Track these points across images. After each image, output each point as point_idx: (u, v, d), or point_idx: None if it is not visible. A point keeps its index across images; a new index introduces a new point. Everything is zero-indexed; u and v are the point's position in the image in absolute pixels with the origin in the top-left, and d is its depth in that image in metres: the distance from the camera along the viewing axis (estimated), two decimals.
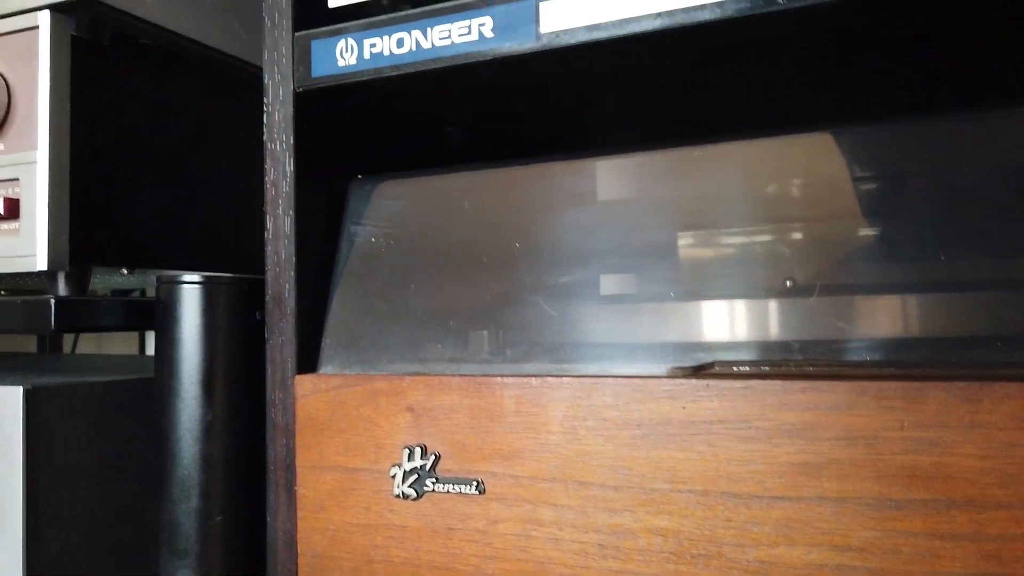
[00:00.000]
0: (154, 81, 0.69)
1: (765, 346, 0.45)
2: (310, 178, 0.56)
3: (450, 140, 0.61)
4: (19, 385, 0.53)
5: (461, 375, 0.49)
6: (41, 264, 0.58)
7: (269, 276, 0.55)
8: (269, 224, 0.55)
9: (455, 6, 0.50)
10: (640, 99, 0.58)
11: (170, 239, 0.69)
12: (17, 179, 0.59)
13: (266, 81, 0.56)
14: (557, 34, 0.47)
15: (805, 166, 0.47)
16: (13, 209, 0.59)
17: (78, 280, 0.61)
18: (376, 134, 0.62)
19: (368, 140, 0.62)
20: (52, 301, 0.53)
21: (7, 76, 0.60)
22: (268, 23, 0.56)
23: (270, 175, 0.55)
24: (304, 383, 0.53)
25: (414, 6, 0.54)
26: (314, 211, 0.56)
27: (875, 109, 0.58)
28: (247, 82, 0.75)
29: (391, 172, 0.58)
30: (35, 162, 0.58)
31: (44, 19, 0.58)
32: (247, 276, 0.58)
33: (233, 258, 0.75)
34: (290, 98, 0.55)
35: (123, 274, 0.65)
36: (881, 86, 0.56)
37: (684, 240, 0.48)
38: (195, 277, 0.54)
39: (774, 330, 0.45)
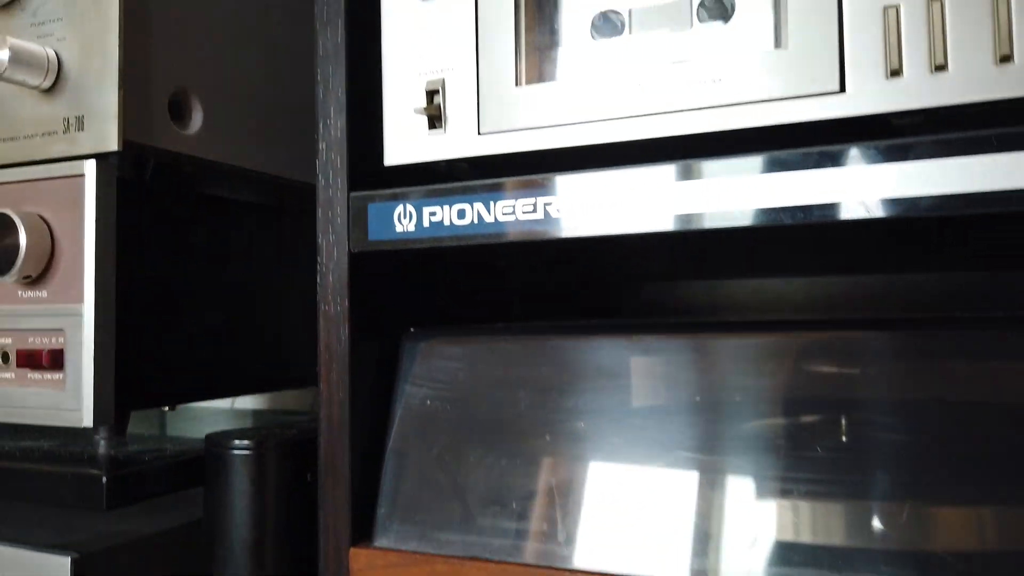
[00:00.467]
0: (197, 209, 0.67)
1: None
2: (364, 335, 0.55)
3: (509, 299, 0.60)
4: (67, 555, 0.52)
5: (525, 564, 0.47)
6: (87, 420, 0.56)
7: (322, 441, 0.54)
8: (323, 388, 0.54)
9: (520, 182, 0.49)
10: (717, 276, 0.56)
11: (213, 368, 0.68)
12: (61, 330, 0.58)
13: (320, 240, 0.54)
14: (630, 220, 0.46)
15: None
16: (57, 360, 0.58)
17: (119, 424, 0.60)
18: (431, 287, 0.61)
19: (423, 293, 0.61)
20: (104, 480, 0.52)
21: (51, 222, 0.59)
22: (322, 181, 0.55)
23: (323, 337, 0.54)
24: (359, 557, 0.52)
25: (473, 168, 0.53)
26: (367, 370, 0.55)
27: None
28: (291, 193, 0.74)
29: (446, 328, 0.57)
30: (81, 315, 0.57)
31: (90, 168, 0.57)
32: (298, 430, 0.57)
33: (279, 374, 0.74)
34: (345, 260, 0.54)
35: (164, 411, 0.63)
36: None
37: (767, 430, 0.47)
38: (244, 442, 0.53)
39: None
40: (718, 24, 0.48)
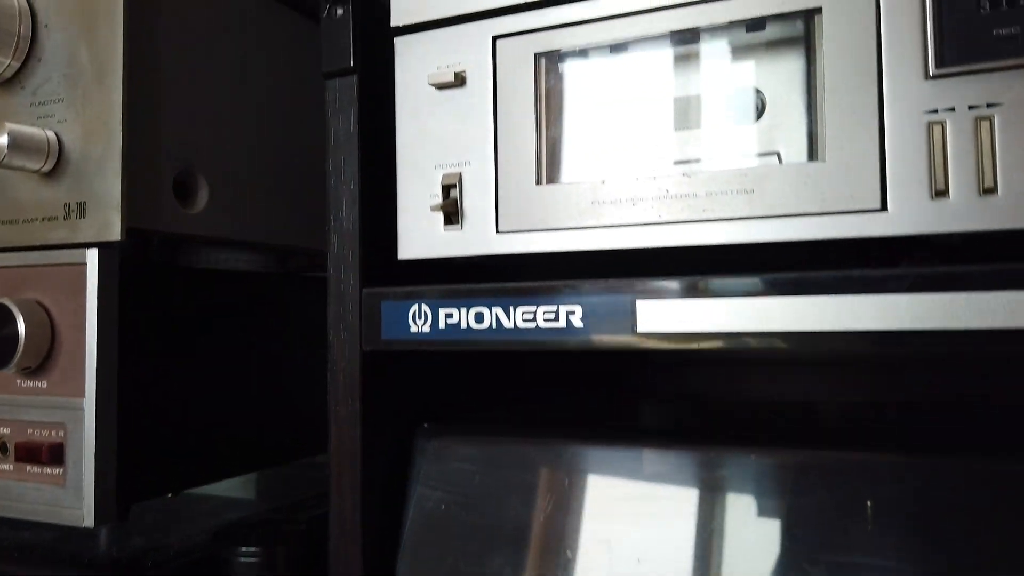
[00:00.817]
0: (202, 283, 0.65)
1: None
2: (377, 433, 0.53)
3: (527, 401, 0.58)
4: None
5: None
6: (88, 520, 0.54)
7: (333, 547, 0.52)
8: (334, 493, 0.52)
9: (541, 287, 0.47)
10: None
11: (221, 447, 0.66)
12: (62, 423, 0.56)
13: (331, 337, 0.52)
14: (656, 335, 0.44)
15: None
16: (57, 456, 0.56)
17: (121, 515, 0.58)
18: (446, 375, 0.59)
19: (437, 381, 0.59)
20: None
21: (51, 309, 0.57)
22: (333, 275, 0.52)
23: (335, 440, 0.52)
24: None
25: (492, 263, 0.51)
26: (379, 469, 0.53)
27: None
28: (297, 258, 0.72)
29: (461, 424, 0.55)
30: (82, 410, 0.55)
31: (92, 257, 0.55)
32: (307, 522, 0.55)
33: (293, 443, 0.72)
34: (357, 359, 0.51)
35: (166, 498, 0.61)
36: None
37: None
38: (252, 549, 0.51)
39: None
40: (749, 124, 0.46)
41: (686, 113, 0.48)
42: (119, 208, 0.54)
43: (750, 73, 0.46)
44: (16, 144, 0.54)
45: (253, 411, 0.69)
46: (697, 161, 0.47)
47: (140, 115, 0.56)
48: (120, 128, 0.54)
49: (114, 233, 0.54)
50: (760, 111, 0.46)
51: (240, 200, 0.65)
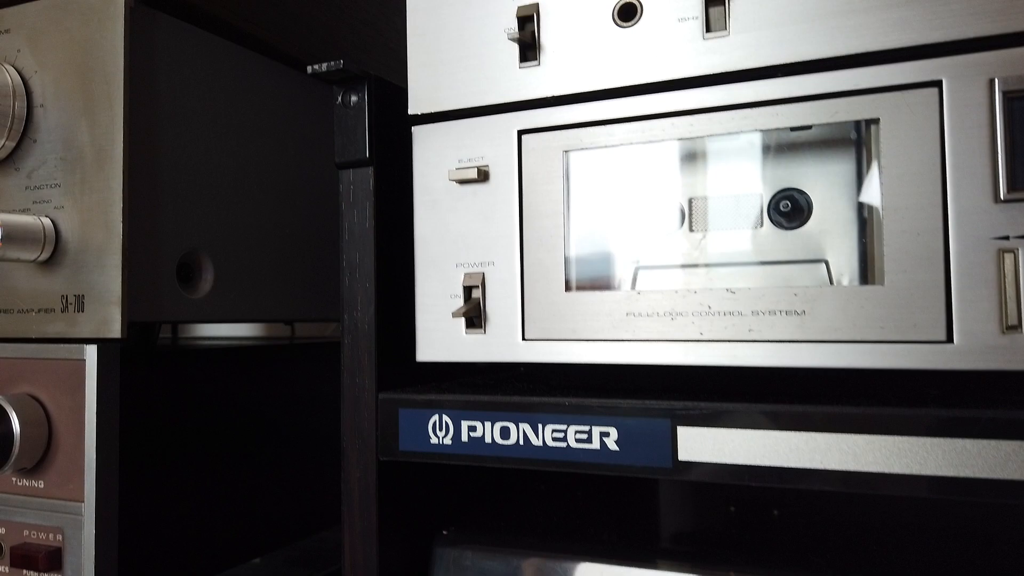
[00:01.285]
0: (206, 364, 0.62)
1: None
2: (393, 546, 0.50)
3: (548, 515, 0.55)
4: None
5: None
6: None
7: None
8: None
9: (574, 406, 0.43)
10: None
11: (229, 534, 0.63)
12: (60, 528, 0.53)
13: (344, 446, 0.49)
14: (699, 466, 0.41)
15: None
16: (55, 562, 0.52)
17: None
18: (467, 486, 0.56)
19: (457, 492, 0.56)
20: None
21: (47, 405, 0.54)
22: (347, 379, 0.49)
23: (348, 555, 0.49)
24: None
25: (508, 364, 0.48)
26: None
27: None
28: (305, 330, 0.69)
29: (480, 533, 0.52)
30: (81, 515, 0.52)
31: (91, 354, 0.52)
32: None
33: (303, 521, 0.69)
34: (373, 470, 0.48)
35: None
36: None
37: None
38: None
39: None
40: (795, 228, 0.43)
41: (728, 214, 0.45)
42: (119, 303, 0.51)
43: (796, 174, 0.43)
44: (9, 236, 0.51)
45: (261, 493, 0.66)
46: (741, 264, 0.44)
47: (142, 202, 0.53)
48: (120, 217, 0.51)
49: (114, 330, 0.51)
50: (807, 214, 0.43)
51: (247, 277, 0.62)
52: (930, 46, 0.38)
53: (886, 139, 0.38)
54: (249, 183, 0.63)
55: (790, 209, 0.43)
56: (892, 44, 0.38)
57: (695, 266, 0.45)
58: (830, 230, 0.43)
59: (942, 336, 0.37)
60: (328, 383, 0.49)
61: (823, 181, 0.43)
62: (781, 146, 0.44)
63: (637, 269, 0.47)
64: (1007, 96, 0.36)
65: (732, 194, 0.45)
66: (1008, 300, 0.36)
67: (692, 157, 0.45)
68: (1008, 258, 0.36)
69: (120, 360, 0.53)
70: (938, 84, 0.38)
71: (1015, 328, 0.36)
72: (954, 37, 0.37)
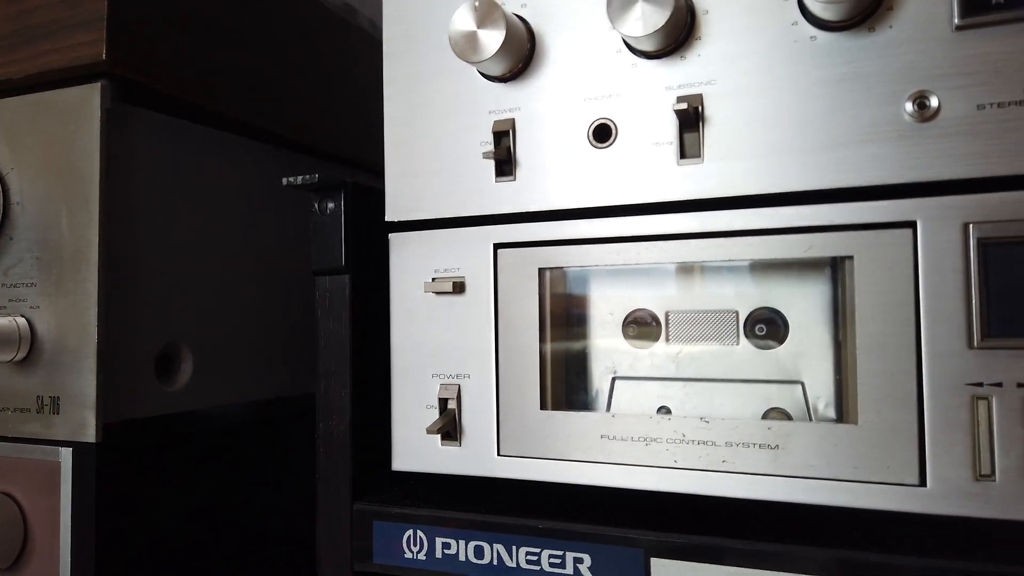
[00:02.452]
0: (183, 454, 0.62)
1: None
2: None
3: None
4: None
5: None
6: None
7: None
8: None
9: (548, 529, 0.43)
10: None
11: None
12: None
13: (320, 555, 0.49)
14: None
15: None
16: None
17: None
18: None
19: None
20: None
21: (23, 504, 0.53)
22: (322, 487, 0.49)
23: None
24: None
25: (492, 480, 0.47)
26: None
27: None
28: (286, 406, 0.68)
29: None
30: None
31: (66, 456, 0.52)
32: None
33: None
34: None
35: None
36: None
37: None
38: None
39: None
40: (771, 348, 0.43)
41: (705, 329, 0.44)
42: (95, 407, 0.51)
43: (774, 293, 0.43)
44: None
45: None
46: (717, 381, 0.43)
47: (119, 300, 0.52)
48: (96, 320, 0.51)
49: (89, 434, 0.51)
50: (784, 334, 0.43)
51: (226, 362, 0.62)
52: (905, 186, 0.37)
53: (860, 277, 0.38)
54: (229, 267, 0.62)
55: (766, 329, 0.43)
56: (866, 182, 0.38)
57: (672, 379, 0.45)
58: (807, 352, 0.42)
59: (915, 480, 0.37)
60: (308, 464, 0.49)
61: (800, 303, 0.43)
62: (759, 265, 0.43)
63: (614, 379, 0.47)
64: (981, 242, 0.36)
65: (709, 309, 0.45)
66: (981, 448, 0.36)
67: (670, 271, 0.45)
68: (982, 405, 0.36)
69: (96, 461, 0.52)
70: (912, 225, 0.37)
71: (988, 477, 0.36)
72: (929, 178, 0.37)
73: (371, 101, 0.50)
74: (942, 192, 0.37)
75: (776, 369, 0.43)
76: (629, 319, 0.46)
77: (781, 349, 0.43)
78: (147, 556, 0.57)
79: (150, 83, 0.55)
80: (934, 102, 0.37)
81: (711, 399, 0.44)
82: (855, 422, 0.38)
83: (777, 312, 0.43)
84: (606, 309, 0.47)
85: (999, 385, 0.36)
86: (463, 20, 0.43)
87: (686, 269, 0.45)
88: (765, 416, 0.43)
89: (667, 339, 0.45)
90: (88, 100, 0.52)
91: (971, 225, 0.36)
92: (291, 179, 0.47)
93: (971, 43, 0.36)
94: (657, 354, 0.45)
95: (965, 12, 0.36)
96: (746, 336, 0.44)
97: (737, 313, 0.44)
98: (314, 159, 0.73)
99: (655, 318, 0.46)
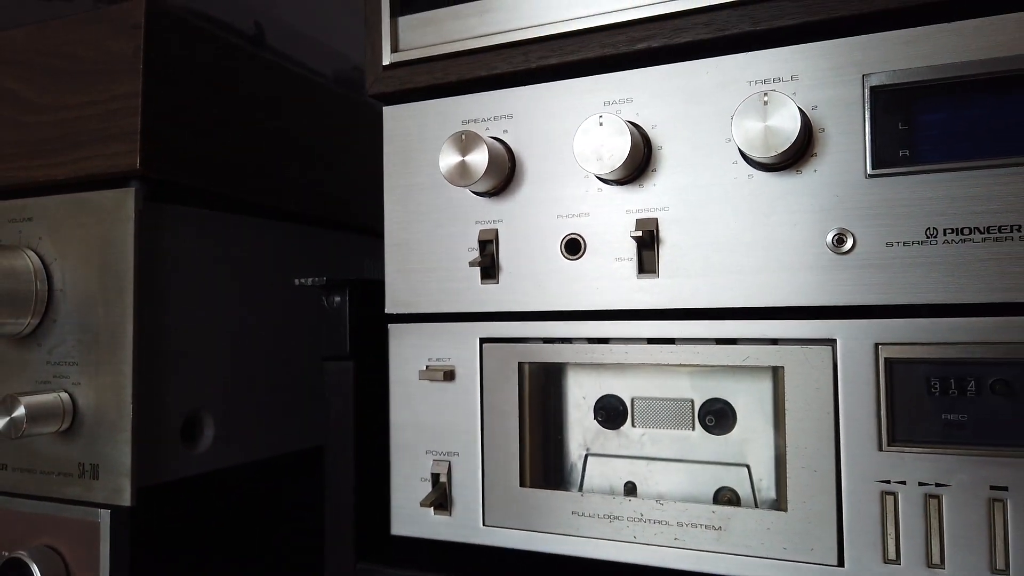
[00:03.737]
0: (209, 508, 0.68)
1: None
2: None
3: None
4: None
5: None
6: None
7: None
8: None
9: None
10: None
11: None
12: None
13: None
14: None
15: None
16: None
17: None
18: None
19: None
20: None
21: (66, 557, 0.60)
22: (329, 549, 0.56)
23: None
24: None
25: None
26: None
27: None
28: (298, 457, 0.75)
29: None
30: None
31: (104, 518, 0.58)
32: None
33: None
34: None
35: None
36: None
37: None
38: None
39: None
40: (720, 436, 0.49)
41: (665, 416, 0.51)
42: (129, 474, 0.58)
43: (724, 386, 0.49)
44: (32, 416, 0.57)
45: None
46: (675, 461, 0.50)
47: (150, 379, 0.59)
48: (131, 398, 0.58)
49: (125, 498, 0.58)
50: (732, 423, 0.49)
51: (245, 424, 0.68)
52: (827, 308, 0.44)
53: (789, 385, 0.44)
54: (248, 337, 0.69)
55: (716, 419, 0.49)
56: (794, 303, 0.44)
57: (637, 458, 0.51)
58: (752, 439, 0.49)
59: (834, 561, 0.43)
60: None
61: (747, 396, 0.49)
62: (716, 368, 0.50)
63: (587, 456, 0.53)
64: (888, 361, 0.42)
65: (668, 398, 0.51)
66: (888, 537, 0.42)
67: (633, 372, 0.51)
68: (889, 500, 0.42)
69: (130, 521, 0.59)
70: (832, 343, 0.44)
71: (894, 561, 0.42)
72: (847, 303, 0.43)
73: (378, 167, 0.56)
74: (858, 316, 0.43)
75: (726, 452, 0.49)
76: (600, 404, 0.53)
77: (730, 435, 0.49)
78: None
79: (178, 181, 0.62)
80: (850, 238, 0.43)
81: (671, 476, 0.50)
82: (785, 509, 0.44)
83: (727, 403, 0.49)
84: (579, 394, 0.53)
85: (903, 483, 0.42)
86: (450, 154, 0.49)
87: (647, 373, 0.51)
88: (717, 492, 0.49)
89: (632, 423, 0.52)
90: (123, 202, 0.58)
91: (880, 345, 0.42)
92: (302, 280, 0.54)
93: (881, 189, 0.43)
94: (624, 435, 0.52)
95: (876, 163, 0.43)
96: (700, 423, 0.50)
97: (692, 402, 0.50)
98: (325, 229, 0.80)
99: (623, 403, 0.52)
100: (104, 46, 0.60)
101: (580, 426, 0.53)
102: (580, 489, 0.52)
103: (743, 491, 0.49)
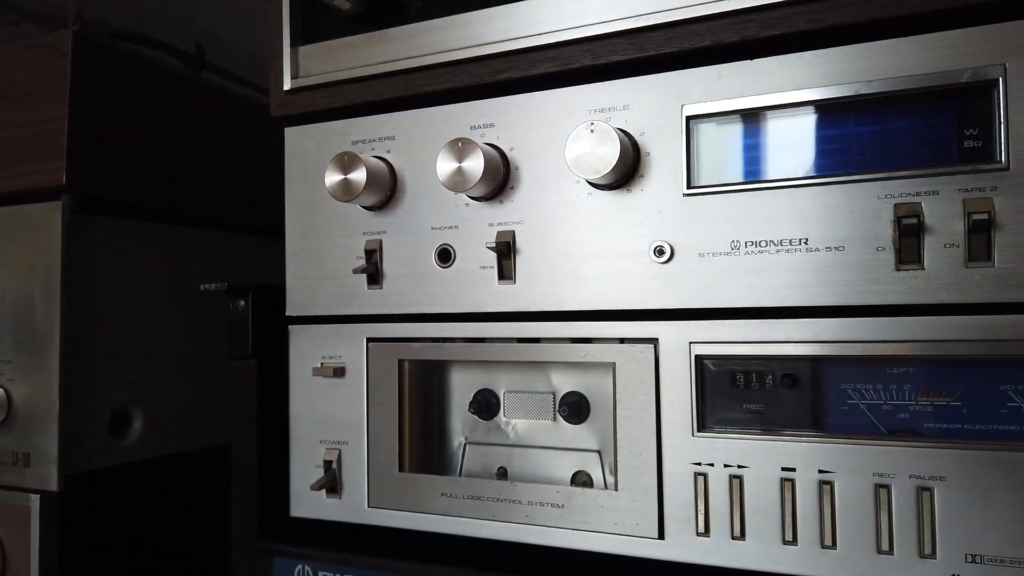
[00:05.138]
0: (136, 492, 0.74)
1: None
2: None
3: None
4: None
5: None
6: None
7: None
8: None
9: (401, 567, 0.55)
10: None
11: None
12: None
13: None
14: None
15: None
16: None
17: None
18: None
19: None
20: None
21: (3, 539, 0.66)
22: (236, 530, 0.61)
23: None
24: None
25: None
26: None
27: None
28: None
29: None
30: None
31: (34, 502, 0.64)
32: None
33: None
34: None
35: None
36: None
37: None
38: None
39: None
40: (576, 425, 0.55)
41: (531, 408, 0.57)
42: (56, 462, 0.63)
43: (580, 381, 0.55)
44: None
45: None
46: (539, 448, 0.55)
47: (78, 376, 0.65)
48: (58, 394, 0.63)
49: (53, 484, 0.63)
50: (586, 414, 0.55)
51: (171, 418, 0.74)
52: (651, 311, 0.49)
53: (620, 380, 0.50)
54: (174, 337, 0.75)
55: (572, 410, 0.55)
56: (627, 306, 0.50)
57: (508, 446, 0.57)
58: (604, 428, 0.54)
59: (655, 535, 0.49)
60: None
61: (597, 391, 0.54)
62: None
63: (465, 444, 0.59)
64: (698, 358, 0.48)
65: (534, 391, 0.57)
66: (699, 512, 0.48)
67: (501, 371, 0.57)
68: (700, 480, 0.48)
69: (60, 506, 0.65)
70: (655, 342, 0.49)
71: (704, 535, 0.48)
72: (667, 307, 0.49)
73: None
74: (676, 318, 0.49)
75: (582, 440, 0.55)
76: (475, 397, 0.58)
77: (585, 425, 0.55)
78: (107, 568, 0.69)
79: (104, 195, 0.67)
80: (668, 249, 0.49)
81: (537, 460, 0.56)
82: (617, 489, 0.50)
83: (583, 396, 0.55)
84: (457, 388, 0.59)
85: (712, 465, 0.48)
86: (334, 172, 0.55)
87: (513, 370, 0.57)
88: (575, 475, 0.55)
89: (504, 414, 0.58)
90: (51, 215, 0.64)
91: (693, 344, 0.48)
92: (207, 286, 0.60)
93: (695, 206, 0.48)
94: (497, 425, 0.58)
95: (691, 183, 0.48)
96: (560, 413, 0.56)
97: (554, 395, 0.56)
98: (249, 235, 0.85)
99: (495, 396, 0.58)
100: (38, 71, 0.66)
101: (459, 418, 0.59)
102: (460, 474, 0.58)
103: (595, 474, 0.54)
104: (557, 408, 0.56)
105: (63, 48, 0.64)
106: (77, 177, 0.65)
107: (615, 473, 0.51)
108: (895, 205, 0.43)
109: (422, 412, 0.59)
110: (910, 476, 0.43)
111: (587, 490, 0.52)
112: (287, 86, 0.62)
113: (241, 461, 0.61)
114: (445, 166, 0.52)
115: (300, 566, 0.59)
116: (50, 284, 0.64)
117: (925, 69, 0.43)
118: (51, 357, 0.64)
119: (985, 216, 0.41)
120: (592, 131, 0.48)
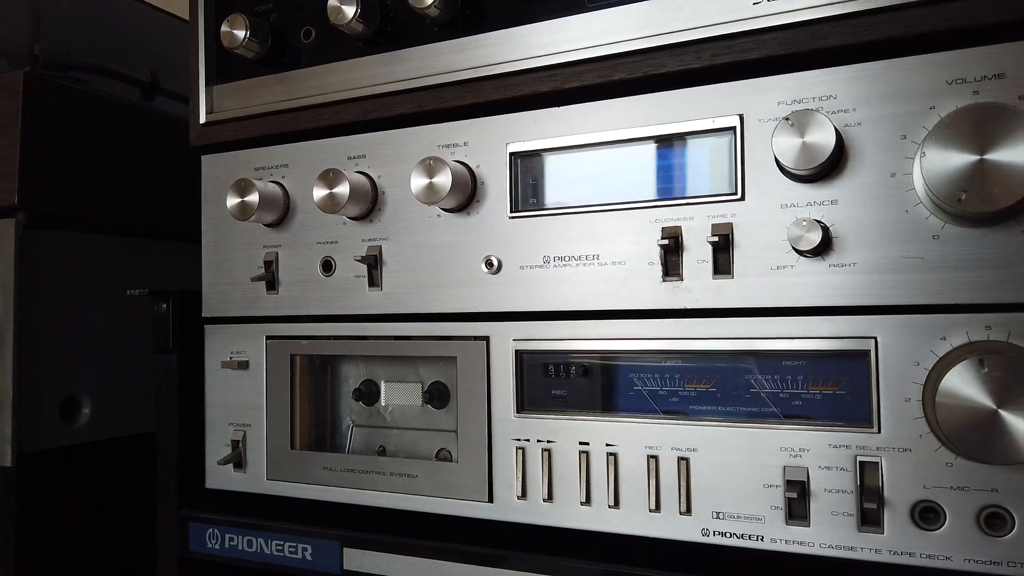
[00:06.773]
0: (92, 481, 0.85)
1: None
2: None
3: None
4: None
5: None
6: None
7: None
8: None
9: (287, 528, 0.65)
10: None
11: None
12: None
13: (158, 545, 0.72)
14: (357, 573, 0.63)
15: None
16: None
17: None
18: None
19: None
20: None
21: None
22: (160, 499, 0.72)
23: None
24: None
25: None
26: None
27: None
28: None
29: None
30: None
31: None
32: None
33: None
34: (174, 562, 0.71)
35: None
36: None
37: None
38: None
39: None
40: (440, 410, 0.65)
41: (405, 395, 0.67)
42: (11, 441, 0.74)
43: (444, 372, 0.65)
44: None
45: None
46: (411, 429, 0.66)
47: (31, 368, 0.76)
48: (12, 383, 0.74)
49: (7, 460, 0.74)
50: (448, 400, 0.65)
51: (117, 407, 0.85)
52: (485, 313, 0.59)
53: (460, 370, 0.60)
54: (119, 334, 0.86)
55: (435, 396, 0.65)
56: (464, 309, 0.60)
57: (386, 428, 0.67)
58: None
59: (486, 499, 0.59)
60: None
61: (456, 380, 0.64)
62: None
63: (352, 427, 0.69)
64: (518, 352, 0.58)
65: (407, 380, 0.67)
66: (517, 480, 0.58)
67: (380, 362, 0.67)
68: (519, 453, 0.58)
69: (14, 480, 0.75)
70: (487, 339, 0.59)
71: (522, 498, 0.58)
72: (496, 309, 0.59)
73: None
74: (504, 319, 0.59)
75: (444, 422, 0.65)
76: (359, 387, 0.69)
77: (447, 409, 0.65)
78: (58, 555, 0.80)
79: (54, 211, 0.78)
80: (496, 261, 0.59)
81: (409, 439, 0.66)
82: (459, 462, 0.60)
83: (444, 385, 0.65)
84: (345, 379, 0.69)
85: (528, 440, 0.58)
86: (233, 196, 0.66)
87: (388, 363, 0.67)
88: (438, 452, 0.65)
89: (383, 401, 0.68)
90: (6, 229, 0.75)
91: (515, 340, 0.58)
92: (133, 291, 0.70)
93: (517, 227, 0.58)
94: (378, 410, 0.68)
95: (513, 207, 0.58)
96: (427, 400, 0.66)
97: (422, 384, 0.66)
98: (188, 242, 0.95)
99: (376, 385, 0.68)
100: None
101: (345, 403, 0.69)
102: (348, 452, 0.69)
103: (453, 451, 0.64)
104: (424, 394, 0.66)
105: (15, 87, 0.75)
106: (28, 196, 0.75)
107: (459, 448, 0.61)
108: (662, 228, 0.53)
109: (315, 399, 0.69)
110: (671, 448, 0.53)
111: (439, 463, 0.62)
112: (202, 120, 0.72)
113: (164, 441, 0.72)
114: (319, 192, 0.62)
115: (211, 529, 0.69)
116: (5, 289, 0.75)
117: (674, 119, 0.53)
118: (6, 353, 0.75)
119: (721, 238, 0.51)
120: (431, 164, 0.58)
